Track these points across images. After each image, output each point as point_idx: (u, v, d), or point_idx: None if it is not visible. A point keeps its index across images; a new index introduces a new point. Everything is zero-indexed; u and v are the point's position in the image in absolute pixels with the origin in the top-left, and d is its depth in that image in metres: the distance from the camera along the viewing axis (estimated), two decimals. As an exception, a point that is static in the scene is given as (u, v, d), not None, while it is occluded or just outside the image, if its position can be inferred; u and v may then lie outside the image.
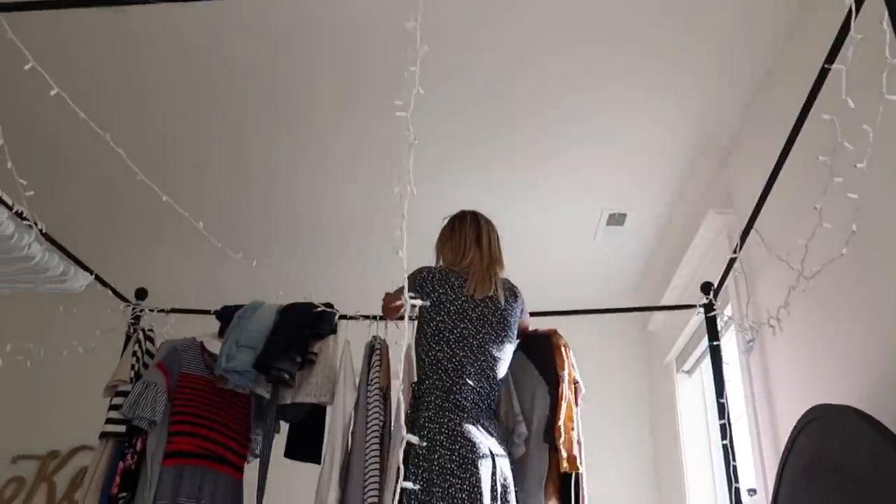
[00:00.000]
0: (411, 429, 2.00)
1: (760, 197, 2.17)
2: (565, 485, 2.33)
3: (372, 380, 2.47)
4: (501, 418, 2.35)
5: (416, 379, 2.13)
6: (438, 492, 1.85)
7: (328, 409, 2.61)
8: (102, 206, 3.62)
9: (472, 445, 1.96)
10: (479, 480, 1.90)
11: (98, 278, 2.67)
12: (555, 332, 2.58)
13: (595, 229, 3.67)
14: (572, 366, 2.51)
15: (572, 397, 2.47)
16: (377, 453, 2.33)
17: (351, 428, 2.48)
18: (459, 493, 1.87)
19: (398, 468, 1.13)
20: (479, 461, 1.95)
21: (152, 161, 3.21)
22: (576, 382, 2.49)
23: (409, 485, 1.26)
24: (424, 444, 1.92)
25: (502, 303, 2.24)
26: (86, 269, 2.57)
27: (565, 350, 2.51)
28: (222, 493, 2.61)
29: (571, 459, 2.30)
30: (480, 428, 2.05)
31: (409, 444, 1.93)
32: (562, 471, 2.29)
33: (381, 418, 2.40)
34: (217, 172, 3.34)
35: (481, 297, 2.20)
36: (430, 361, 2.10)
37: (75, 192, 3.50)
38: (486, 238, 2.39)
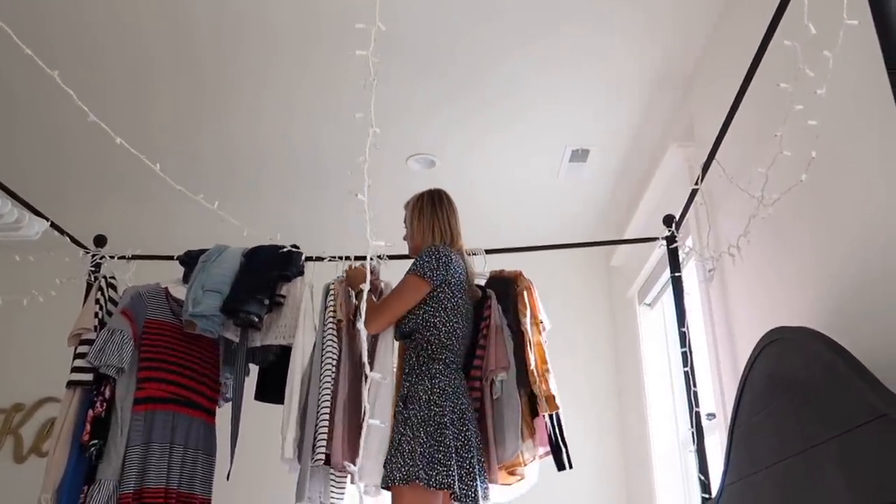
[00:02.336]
0: (419, 380, 2.25)
1: (722, 127, 2.19)
2: (547, 426, 2.44)
3: (327, 318, 2.50)
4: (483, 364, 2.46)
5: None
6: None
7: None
8: (53, 152, 3.49)
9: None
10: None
11: (54, 225, 2.60)
12: (519, 274, 2.60)
13: (558, 166, 3.68)
14: (536, 307, 2.55)
15: (541, 337, 2.52)
16: (329, 387, 2.39)
17: (311, 368, 2.51)
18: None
19: (364, 406, 1.17)
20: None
21: (100, 103, 3.09)
22: (540, 322, 2.54)
23: (376, 423, 1.29)
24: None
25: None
26: (41, 216, 2.50)
27: (528, 293, 2.54)
28: (195, 437, 2.63)
29: (550, 399, 2.38)
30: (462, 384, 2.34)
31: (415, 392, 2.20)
32: (542, 413, 2.40)
33: (335, 352, 2.45)
34: (170, 113, 3.23)
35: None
36: (447, 331, 2.33)
37: (24, 136, 3.37)
38: (458, 222, 2.56)
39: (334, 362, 2.43)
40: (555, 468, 2.43)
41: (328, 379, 2.40)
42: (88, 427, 2.45)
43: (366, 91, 1.39)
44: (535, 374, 2.39)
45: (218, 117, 3.27)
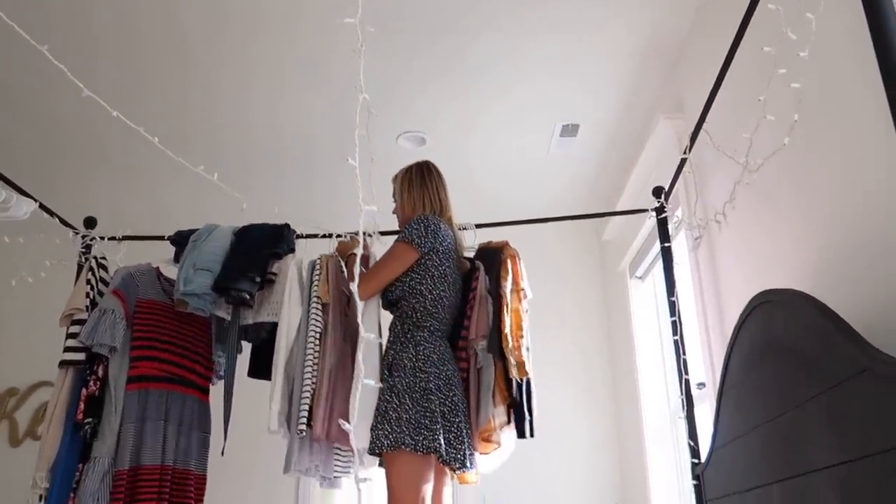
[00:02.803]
0: (404, 347, 2.27)
1: (710, 94, 2.20)
2: (511, 391, 2.42)
3: (313, 294, 2.53)
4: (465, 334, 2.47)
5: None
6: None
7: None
8: (40, 132, 3.47)
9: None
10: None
11: (43, 206, 2.59)
12: (506, 244, 2.61)
13: (549, 141, 3.68)
14: (520, 275, 2.55)
15: (520, 305, 2.51)
16: (312, 361, 2.42)
17: (297, 342, 2.54)
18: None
19: (359, 365, 1.18)
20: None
21: (87, 83, 3.04)
22: (521, 289, 2.53)
23: (370, 382, 1.31)
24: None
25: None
26: (28, 196, 2.49)
27: (512, 261, 2.54)
28: (189, 415, 2.64)
29: (520, 366, 2.37)
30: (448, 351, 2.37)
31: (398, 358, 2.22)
32: (511, 377, 2.38)
33: (319, 327, 2.48)
34: (158, 93, 3.20)
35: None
36: (433, 298, 2.35)
37: (9, 117, 3.34)
38: (447, 194, 2.56)
39: (318, 336, 2.47)
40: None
41: (311, 353, 2.44)
42: (82, 406, 2.46)
43: (355, 60, 1.39)
44: (509, 338, 2.39)
45: (206, 97, 3.25)
